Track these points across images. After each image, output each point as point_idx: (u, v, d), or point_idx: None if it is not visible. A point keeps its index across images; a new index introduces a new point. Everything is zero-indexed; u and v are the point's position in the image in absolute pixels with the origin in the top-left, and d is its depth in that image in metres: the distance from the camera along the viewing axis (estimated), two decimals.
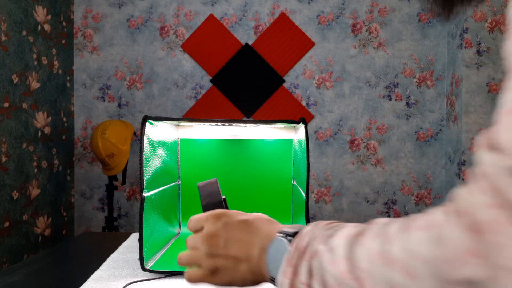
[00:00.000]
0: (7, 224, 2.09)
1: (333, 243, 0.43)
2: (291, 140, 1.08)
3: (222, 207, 0.71)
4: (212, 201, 0.72)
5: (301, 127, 0.87)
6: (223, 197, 0.75)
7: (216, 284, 0.57)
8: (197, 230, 0.58)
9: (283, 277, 0.46)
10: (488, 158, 0.30)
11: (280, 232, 0.51)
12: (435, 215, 0.34)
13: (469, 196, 0.31)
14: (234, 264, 0.54)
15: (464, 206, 0.31)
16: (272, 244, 0.51)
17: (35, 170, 2.35)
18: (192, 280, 0.57)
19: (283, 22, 2.79)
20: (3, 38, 2.07)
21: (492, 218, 0.29)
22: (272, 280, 0.50)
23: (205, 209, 0.74)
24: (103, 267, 0.83)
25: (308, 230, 0.48)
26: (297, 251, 0.46)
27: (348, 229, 0.44)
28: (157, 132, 0.89)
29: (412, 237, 0.34)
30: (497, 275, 0.28)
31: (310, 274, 0.43)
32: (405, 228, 0.36)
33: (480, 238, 0.29)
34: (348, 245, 0.41)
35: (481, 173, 0.31)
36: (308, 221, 0.80)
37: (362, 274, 0.38)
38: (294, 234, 0.50)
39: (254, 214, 0.58)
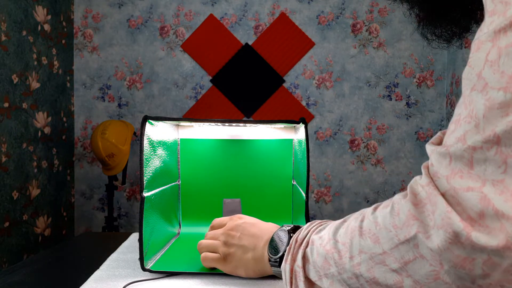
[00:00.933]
0: (7, 224, 2.09)
1: (323, 232, 0.54)
2: (291, 140, 1.08)
3: None
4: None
5: (301, 127, 0.88)
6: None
7: (224, 269, 0.71)
8: (219, 227, 0.76)
9: (285, 263, 0.57)
10: (431, 148, 0.41)
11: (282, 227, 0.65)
12: (395, 197, 0.45)
13: (417, 179, 0.42)
14: (243, 252, 0.69)
15: (412, 187, 0.42)
16: (274, 233, 0.64)
17: (35, 170, 2.35)
18: (206, 260, 0.73)
19: (283, 22, 2.79)
20: (3, 38, 2.07)
21: (424, 194, 0.40)
22: (269, 260, 0.63)
23: None
24: (103, 267, 0.83)
25: (305, 227, 0.59)
26: (295, 242, 0.57)
27: (336, 221, 0.55)
28: (157, 132, 0.89)
29: (378, 213, 0.46)
30: (427, 230, 0.39)
31: (304, 259, 0.54)
32: (375, 208, 0.47)
33: (418, 208, 0.40)
34: (334, 230, 0.52)
35: (426, 163, 0.42)
36: (308, 221, 0.80)
37: (342, 247, 0.49)
38: (294, 229, 0.63)
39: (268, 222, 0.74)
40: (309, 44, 2.79)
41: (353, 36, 2.78)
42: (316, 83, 2.80)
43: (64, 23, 2.71)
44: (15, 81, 2.17)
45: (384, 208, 0.45)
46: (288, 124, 0.91)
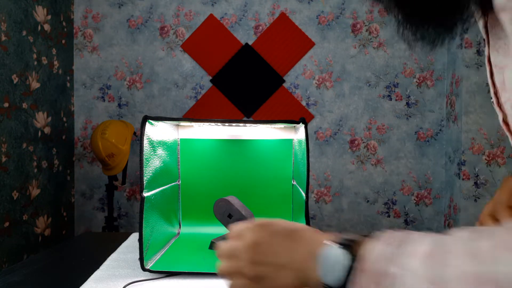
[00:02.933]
0: (7, 224, 2.09)
1: (408, 265, 0.41)
2: (291, 140, 1.08)
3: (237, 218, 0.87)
4: (225, 215, 0.89)
5: (301, 127, 0.87)
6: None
7: None
8: (235, 239, 0.57)
9: None
10: None
11: (330, 241, 0.50)
12: None
13: None
14: (278, 271, 0.53)
15: None
16: (323, 251, 0.49)
17: (35, 170, 2.35)
18: None
19: (283, 22, 2.79)
20: (3, 38, 2.07)
21: None
22: (325, 287, 0.48)
23: (222, 221, 0.93)
24: (103, 267, 0.83)
25: (371, 249, 0.45)
26: (364, 273, 0.44)
27: (421, 247, 0.41)
28: (157, 132, 0.89)
29: None
30: None
31: None
32: (503, 248, 0.34)
33: None
34: (429, 265, 0.39)
35: None
36: (308, 221, 0.80)
37: None
38: (347, 243, 0.48)
39: (298, 223, 0.57)
40: (309, 44, 2.79)
41: (353, 36, 2.78)
42: (316, 83, 2.80)
43: (64, 23, 2.71)
44: (15, 81, 2.17)
45: None
46: (288, 124, 0.91)
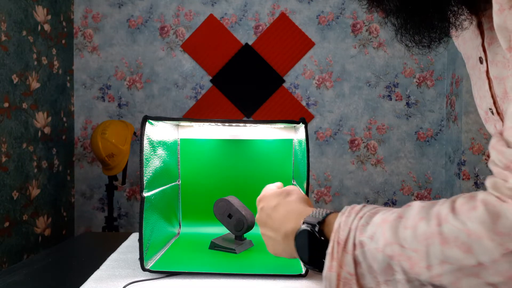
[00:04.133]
0: (7, 224, 2.09)
1: (373, 232, 0.47)
2: (291, 140, 1.08)
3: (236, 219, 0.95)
4: (225, 215, 0.95)
5: (301, 127, 0.87)
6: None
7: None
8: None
9: (328, 271, 0.50)
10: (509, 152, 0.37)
11: (305, 222, 0.57)
12: (483, 196, 0.39)
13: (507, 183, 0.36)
14: (275, 235, 0.63)
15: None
16: (298, 234, 0.57)
17: (35, 170, 2.35)
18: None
19: (283, 22, 2.79)
20: (3, 38, 2.07)
21: None
22: (303, 261, 0.57)
23: (222, 221, 0.97)
24: (103, 267, 0.83)
25: (343, 223, 0.51)
26: (338, 245, 0.50)
27: (384, 216, 0.48)
28: (157, 132, 0.89)
29: (464, 217, 0.39)
30: None
31: (355, 264, 0.48)
32: (452, 209, 0.41)
33: None
34: (392, 230, 0.45)
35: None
36: None
37: (413, 254, 0.43)
38: (318, 223, 0.55)
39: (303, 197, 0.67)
40: (309, 44, 2.79)
41: (353, 36, 2.78)
42: (316, 83, 2.80)
43: (64, 23, 2.71)
44: (15, 81, 2.17)
45: (472, 211, 0.39)
46: (288, 124, 0.91)
